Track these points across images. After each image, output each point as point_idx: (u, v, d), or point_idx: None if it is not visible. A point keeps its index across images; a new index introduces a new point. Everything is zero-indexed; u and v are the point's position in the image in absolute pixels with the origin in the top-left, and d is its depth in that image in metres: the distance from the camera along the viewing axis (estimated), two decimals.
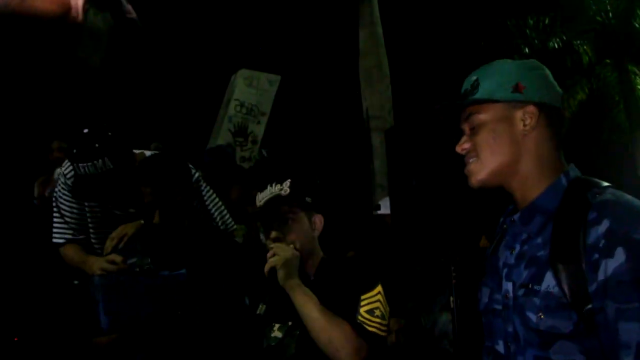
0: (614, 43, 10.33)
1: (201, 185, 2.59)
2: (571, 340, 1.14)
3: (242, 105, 6.17)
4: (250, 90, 6.23)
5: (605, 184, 1.24)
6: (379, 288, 1.75)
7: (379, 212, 3.85)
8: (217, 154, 4.53)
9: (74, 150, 2.27)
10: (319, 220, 1.85)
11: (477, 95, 1.31)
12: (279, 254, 1.70)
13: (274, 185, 1.82)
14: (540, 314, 1.17)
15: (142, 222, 2.30)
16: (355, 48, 8.66)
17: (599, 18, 10.49)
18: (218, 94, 6.61)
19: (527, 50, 10.49)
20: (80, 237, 2.59)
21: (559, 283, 1.15)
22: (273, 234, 1.78)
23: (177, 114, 10.83)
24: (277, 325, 1.80)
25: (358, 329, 1.66)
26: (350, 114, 9.92)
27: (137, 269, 2.04)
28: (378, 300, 1.73)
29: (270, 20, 11.08)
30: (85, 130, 2.28)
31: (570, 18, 10.49)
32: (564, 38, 10.48)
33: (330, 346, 1.64)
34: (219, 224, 2.64)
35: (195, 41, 11.04)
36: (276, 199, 1.80)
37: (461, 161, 1.38)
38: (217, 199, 2.67)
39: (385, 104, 8.41)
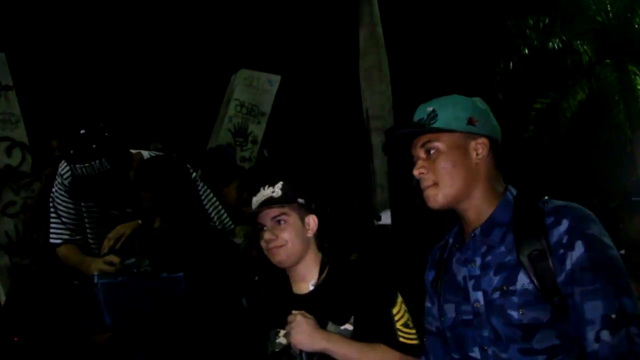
0: (614, 43, 10.33)
1: (198, 185, 2.59)
2: (549, 328, 1.32)
3: (242, 105, 6.17)
4: (251, 90, 6.23)
5: (546, 196, 1.44)
6: (400, 296, 1.81)
7: (379, 222, 3.85)
8: (217, 154, 4.53)
9: (71, 151, 2.26)
10: (312, 220, 1.89)
11: (438, 124, 1.44)
12: (291, 329, 1.73)
13: (266, 187, 1.86)
14: (521, 310, 1.33)
15: (140, 222, 2.30)
16: (355, 48, 8.66)
17: (599, 18, 10.47)
18: (218, 94, 6.61)
19: (526, 50, 10.48)
20: (78, 237, 2.58)
21: (532, 280, 1.33)
22: (266, 235, 1.82)
23: (176, 114, 10.83)
24: (282, 332, 1.81)
25: (404, 348, 1.73)
26: (350, 113, 9.92)
27: (135, 270, 2.04)
28: (405, 310, 1.79)
29: (270, 20, 11.08)
30: (82, 131, 2.28)
31: (570, 18, 10.47)
32: (564, 38, 10.46)
33: None
34: (217, 223, 2.63)
35: (195, 41, 11.04)
36: (269, 201, 1.83)
37: None
38: (214, 199, 2.66)
39: (385, 103, 8.40)
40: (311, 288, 1.86)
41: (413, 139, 1.50)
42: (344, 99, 10.67)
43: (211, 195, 2.65)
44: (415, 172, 1.47)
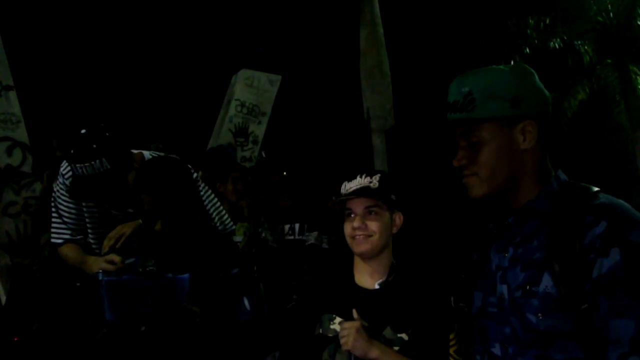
0: (615, 43, 10.33)
1: (199, 186, 2.58)
2: (571, 338, 1.16)
3: (242, 105, 6.17)
4: (251, 91, 6.23)
5: (595, 188, 1.26)
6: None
7: None
8: (217, 154, 4.53)
9: (71, 151, 2.26)
10: (399, 218, 1.90)
11: (476, 114, 1.28)
12: (344, 335, 1.73)
13: (363, 176, 1.86)
14: (539, 314, 1.19)
15: (140, 222, 2.29)
16: (356, 48, 8.65)
17: (599, 18, 10.49)
18: (218, 94, 6.62)
19: (527, 50, 10.48)
20: (79, 237, 2.58)
21: (556, 284, 1.18)
22: (356, 222, 1.82)
23: (177, 115, 10.83)
24: (338, 319, 1.82)
25: None
26: (350, 114, 9.92)
27: (140, 270, 2.03)
28: (458, 337, 1.79)
29: (270, 20, 11.09)
30: (83, 131, 2.27)
31: (571, 18, 10.49)
32: (565, 38, 10.48)
33: None
34: (217, 224, 2.63)
35: (195, 41, 11.04)
36: (364, 190, 1.83)
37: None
38: (215, 200, 2.65)
39: (386, 104, 8.40)
40: (377, 287, 1.86)
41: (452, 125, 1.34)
42: (344, 99, 10.67)
43: (212, 196, 2.65)
44: (455, 163, 1.34)
